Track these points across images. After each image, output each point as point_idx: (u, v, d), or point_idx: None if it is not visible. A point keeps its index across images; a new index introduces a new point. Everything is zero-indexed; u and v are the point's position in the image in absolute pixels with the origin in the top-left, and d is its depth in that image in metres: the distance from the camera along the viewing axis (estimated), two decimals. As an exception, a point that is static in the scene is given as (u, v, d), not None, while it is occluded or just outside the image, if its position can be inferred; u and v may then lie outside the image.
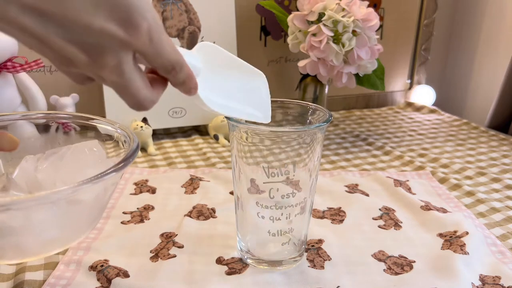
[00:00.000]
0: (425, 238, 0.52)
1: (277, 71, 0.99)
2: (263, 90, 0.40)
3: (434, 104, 1.14)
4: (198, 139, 0.85)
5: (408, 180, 0.67)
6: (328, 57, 0.74)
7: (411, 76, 1.14)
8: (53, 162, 0.40)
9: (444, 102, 1.19)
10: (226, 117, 0.42)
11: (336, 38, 0.74)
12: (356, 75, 0.81)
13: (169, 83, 0.33)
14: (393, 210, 0.59)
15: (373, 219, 0.57)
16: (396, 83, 1.13)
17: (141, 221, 0.55)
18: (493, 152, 0.82)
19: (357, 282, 0.44)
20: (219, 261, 0.47)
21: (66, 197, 0.32)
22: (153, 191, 0.63)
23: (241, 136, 0.42)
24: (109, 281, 0.43)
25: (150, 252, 0.48)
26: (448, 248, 0.50)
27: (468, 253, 0.48)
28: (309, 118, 0.45)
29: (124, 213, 0.56)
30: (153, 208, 0.58)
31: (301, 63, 0.78)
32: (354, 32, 0.75)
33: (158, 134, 0.85)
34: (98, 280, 0.43)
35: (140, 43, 0.28)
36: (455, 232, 0.53)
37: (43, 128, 0.45)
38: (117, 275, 0.44)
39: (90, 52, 0.27)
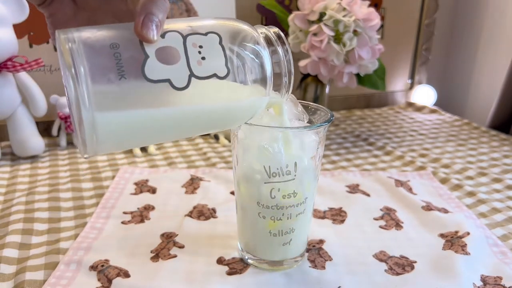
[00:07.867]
0: (427, 239, 0.52)
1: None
2: None
3: (435, 104, 1.13)
4: (198, 139, 0.84)
5: (409, 180, 0.67)
6: (329, 57, 0.74)
7: (412, 76, 1.14)
8: None
9: (445, 102, 1.19)
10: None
11: (337, 38, 0.74)
12: (357, 75, 0.81)
13: None
14: (394, 210, 0.59)
15: (374, 219, 0.57)
16: (397, 83, 1.13)
17: (142, 221, 0.55)
18: (494, 152, 0.82)
19: (358, 282, 0.44)
20: (220, 261, 0.47)
21: None
22: (153, 191, 0.63)
23: (242, 136, 0.42)
24: (109, 281, 0.43)
25: (151, 252, 0.48)
26: (450, 249, 0.50)
27: (469, 253, 0.48)
28: (310, 118, 0.45)
29: (124, 213, 0.56)
30: (153, 208, 0.58)
31: (302, 63, 0.78)
32: (355, 31, 0.75)
33: (158, 134, 0.85)
34: (99, 280, 0.43)
35: None
36: (457, 232, 0.52)
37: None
38: (118, 275, 0.44)
39: None
